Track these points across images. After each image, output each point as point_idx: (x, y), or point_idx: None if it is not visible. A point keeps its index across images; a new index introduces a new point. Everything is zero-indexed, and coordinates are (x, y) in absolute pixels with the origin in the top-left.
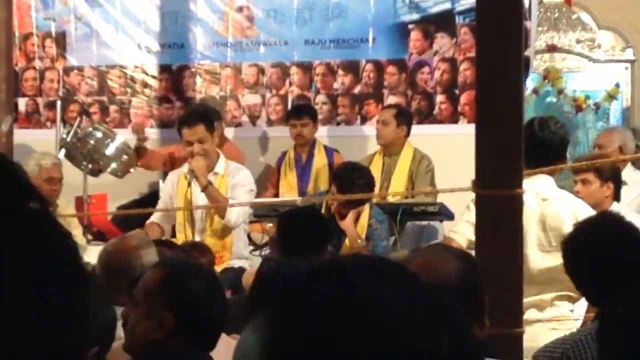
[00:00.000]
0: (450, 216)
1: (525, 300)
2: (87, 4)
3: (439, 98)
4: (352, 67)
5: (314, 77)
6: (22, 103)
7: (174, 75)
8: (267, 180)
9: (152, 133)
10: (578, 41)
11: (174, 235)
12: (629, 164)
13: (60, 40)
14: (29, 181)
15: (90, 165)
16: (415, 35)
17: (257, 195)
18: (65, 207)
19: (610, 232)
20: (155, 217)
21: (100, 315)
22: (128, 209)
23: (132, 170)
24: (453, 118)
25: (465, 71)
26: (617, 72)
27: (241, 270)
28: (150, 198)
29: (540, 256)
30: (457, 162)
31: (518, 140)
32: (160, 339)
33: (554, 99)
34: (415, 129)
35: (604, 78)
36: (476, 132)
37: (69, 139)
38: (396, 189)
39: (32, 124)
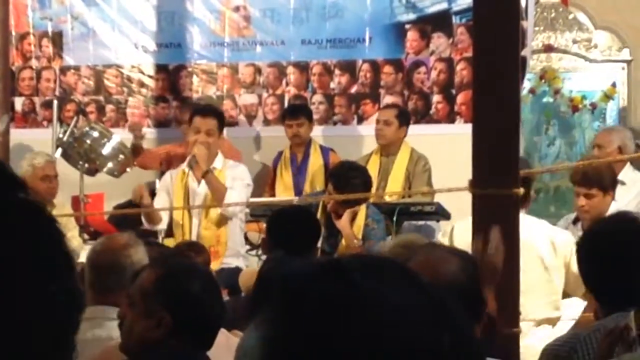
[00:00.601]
0: (447, 216)
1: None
2: (83, 4)
3: (436, 98)
4: (349, 67)
5: (311, 76)
6: (19, 102)
7: (171, 75)
8: (263, 180)
9: (148, 132)
10: (574, 41)
11: (170, 230)
12: (628, 164)
13: (57, 39)
14: (11, 172)
15: (86, 165)
16: (411, 35)
17: (254, 195)
18: (61, 206)
19: (624, 232)
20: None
21: None
22: (124, 209)
23: (128, 169)
24: (450, 118)
25: (462, 71)
26: (613, 72)
27: (237, 270)
28: None
29: None
30: (454, 162)
31: (515, 141)
32: (158, 338)
33: (551, 99)
34: (412, 128)
35: (601, 78)
36: (473, 132)
37: (65, 139)
38: (393, 189)
39: (29, 124)
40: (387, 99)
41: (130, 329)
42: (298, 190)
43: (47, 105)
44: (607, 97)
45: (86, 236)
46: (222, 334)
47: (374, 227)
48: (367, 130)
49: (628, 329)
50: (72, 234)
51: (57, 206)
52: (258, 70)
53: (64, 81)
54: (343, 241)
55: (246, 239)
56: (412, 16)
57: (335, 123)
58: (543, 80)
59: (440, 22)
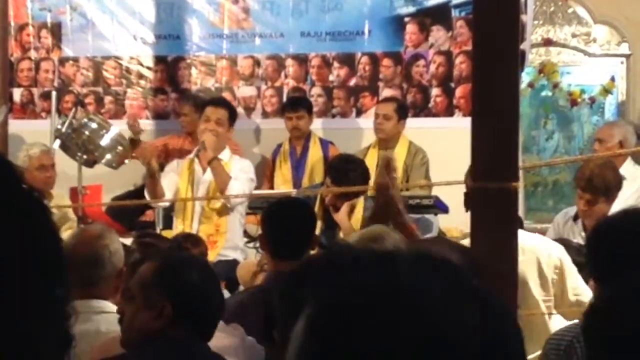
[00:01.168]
0: (444, 209)
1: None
2: None
3: (435, 91)
4: (348, 60)
5: (310, 69)
6: (17, 93)
7: (170, 67)
8: (262, 172)
9: (147, 124)
10: (574, 35)
11: (167, 223)
12: (629, 159)
13: (56, 30)
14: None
15: (85, 156)
16: (411, 28)
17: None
18: (59, 198)
19: (632, 224)
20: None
21: None
22: (123, 200)
23: (126, 161)
24: (448, 111)
25: (461, 64)
26: (612, 67)
27: (235, 262)
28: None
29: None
30: (452, 156)
31: (514, 134)
32: (158, 328)
33: (549, 93)
34: (411, 122)
35: (600, 72)
36: (472, 126)
37: (63, 130)
38: None
39: (27, 115)
40: (386, 92)
41: (131, 322)
42: (297, 183)
43: (46, 96)
44: (606, 91)
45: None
46: (221, 327)
47: None
48: (366, 123)
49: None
50: (70, 225)
51: (55, 197)
52: (257, 63)
53: (63, 72)
54: (341, 234)
55: (244, 231)
56: (411, 9)
57: (334, 116)
58: (542, 74)
59: (439, 15)
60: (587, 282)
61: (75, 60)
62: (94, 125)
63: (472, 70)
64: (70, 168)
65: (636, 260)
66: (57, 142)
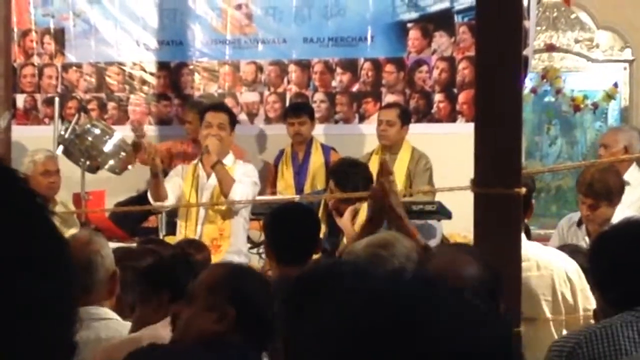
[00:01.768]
0: (448, 215)
1: None
2: (85, 1)
3: (437, 97)
4: (351, 66)
5: (312, 75)
6: (21, 99)
7: (172, 73)
8: (264, 178)
9: (150, 130)
10: (576, 41)
11: (171, 228)
12: (634, 164)
13: (59, 36)
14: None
15: (88, 162)
16: (413, 34)
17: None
18: (63, 203)
19: (633, 234)
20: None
21: None
22: (126, 206)
23: (130, 167)
24: (451, 117)
25: (464, 70)
26: (615, 72)
27: None
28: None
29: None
30: (455, 161)
31: (517, 140)
32: (218, 332)
33: (552, 99)
34: (414, 127)
35: (603, 78)
36: (475, 131)
37: (67, 136)
38: None
39: (30, 121)
40: (389, 98)
41: (189, 323)
42: (299, 189)
43: (49, 102)
44: (609, 97)
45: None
46: None
47: None
48: (369, 129)
49: None
50: (73, 231)
51: (59, 203)
52: (260, 68)
53: (66, 78)
54: (344, 239)
55: (247, 237)
56: (414, 15)
57: (336, 121)
58: (545, 80)
59: (442, 21)
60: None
61: (79, 66)
62: (97, 131)
63: (475, 76)
64: (73, 174)
65: (637, 269)
66: (60, 148)
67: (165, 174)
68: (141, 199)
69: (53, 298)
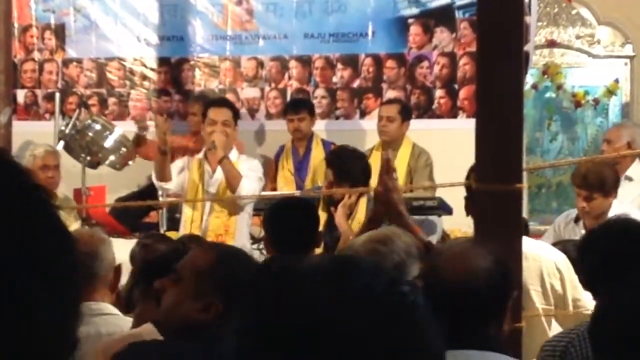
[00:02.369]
0: (448, 211)
1: None
2: None
3: (438, 93)
4: (352, 61)
5: (313, 70)
6: (21, 95)
7: (173, 68)
8: (265, 174)
9: (150, 126)
10: (577, 37)
11: (173, 224)
12: (637, 160)
13: (60, 32)
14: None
15: (88, 158)
16: (414, 29)
17: None
18: (63, 199)
19: (619, 231)
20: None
21: None
22: (126, 201)
23: (130, 162)
24: (452, 113)
25: (465, 66)
26: (616, 68)
27: None
28: (149, 190)
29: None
30: (456, 157)
31: (518, 136)
32: (204, 322)
33: (553, 95)
34: (414, 123)
35: (604, 74)
36: (476, 127)
37: (67, 131)
38: None
39: (31, 116)
40: (390, 94)
41: (175, 307)
42: (299, 185)
43: (49, 97)
44: (610, 92)
45: (88, 229)
46: None
47: None
48: (370, 124)
49: None
50: (74, 227)
51: (59, 199)
52: (260, 64)
53: (67, 74)
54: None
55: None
56: (415, 10)
57: (337, 117)
58: (546, 76)
59: (443, 16)
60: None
61: (79, 61)
62: (97, 127)
63: (476, 72)
64: (74, 169)
65: (625, 266)
66: (61, 143)
67: None
68: (142, 194)
69: (56, 293)
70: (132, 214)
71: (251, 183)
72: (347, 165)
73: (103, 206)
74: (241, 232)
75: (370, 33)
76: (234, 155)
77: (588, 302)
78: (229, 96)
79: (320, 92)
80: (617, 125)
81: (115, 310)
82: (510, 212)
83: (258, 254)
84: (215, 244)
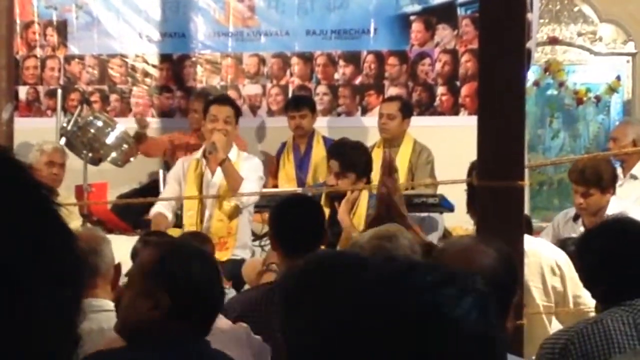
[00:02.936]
0: (450, 208)
1: None
2: None
3: (440, 90)
4: (353, 58)
5: (315, 67)
6: (23, 91)
7: (175, 65)
8: (267, 170)
9: (152, 122)
10: (579, 34)
11: (179, 221)
12: None
13: (62, 28)
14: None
15: (90, 154)
16: (416, 26)
17: None
18: (65, 196)
19: (616, 230)
20: (159, 206)
21: None
22: (128, 198)
23: (132, 159)
24: (454, 110)
25: (467, 63)
26: (618, 65)
27: (243, 261)
28: (151, 187)
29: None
30: (458, 154)
31: (519, 133)
32: (156, 320)
33: (555, 92)
34: (416, 120)
35: (605, 71)
36: (477, 124)
37: (69, 128)
38: None
39: (33, 113)
40: (392, 91)
41: (128, 309)
42: (301, 182)
43: (51, 94)
44: (612, 90)
45: (89, 226)
46: (227, 325)
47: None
48: (371, 121)
49: None
50: (76, 224)
51: (61, 195)
52: (262, 61)
53: (68, 70)
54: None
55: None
56: (417, 7)
57: (339, 114)
58: (547, 73)
59: (445, 13)
60: None
61: (81, 58)
62: (99, 123)
63: (478, 69)
64: (75, 166)
65: (624, 265)
66: (63, 140)
67: (167, 166)
68: (144, 191)
69: (59, 290)
70: (134, 211)
71: (252, 185)
72: (351, 155)
73: (105, 203)
74: (243, 231)
75: (372, 30)
76: (233, 153)
77: (588, 299)
78: (231, 93)
79: (321, 88)
80: (623, 123)
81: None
82: (512, 209)
83: (259, 251)
84: (163, 241)
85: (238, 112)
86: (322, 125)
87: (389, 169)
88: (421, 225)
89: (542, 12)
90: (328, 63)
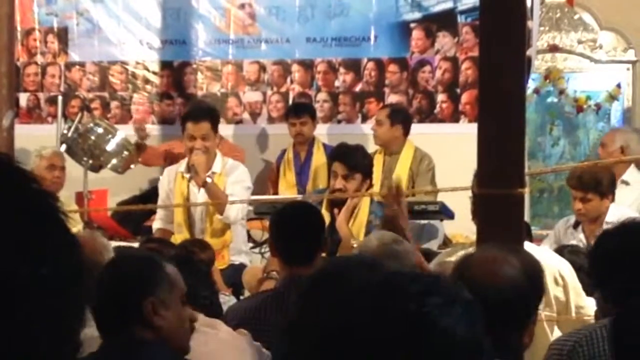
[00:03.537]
0: (450, 215)
1: None
2: (89, 0)
3: (440, 97)
4: (354, 65)
5: (315, 74)
6: (24, 98)
7: (175, 72)
8: (267, 177)
9: (153, 129)
10: (580, 41)
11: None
12: (632, 165)
13: (62, 35)
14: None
15: (90, 161)
16: (417, 34)
17: (257, 193)
18: (65, 202)
19: (630, 232)
20: (158, 221)
21: None
22: (128, 205)
23: (132, 166)
24: (454, 117)
25: (467, 70)
26: (618, 73)
27: (242, 266)
28: (151, 194)
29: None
30: (458, 162)
31: (519, 140)
32: None
33: (555, 99)
34: (416, 127)
35: (606, 79)
36: (478, 132)
37: (69, 135)
38: None
39: (34, 119)
40: (392, 98)
41: None
42: (301, 189)
43: (52, 101)
44: (612, 97)
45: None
46: (228, 332)
47: (377, 223)
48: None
49: None
50: (76, 230)
51: (61, 202)
52: (263, 68)
53: (69, 77)
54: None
55: (249, 236)
56: (417, 15)
57: (339, 121)
58: (548, 80)
59: (445, 21)
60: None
61: (82, 65)
62: (100, 130)
63: (478, 76)
64: (76, 173)
65: (636, 266)
66: (63, 146)
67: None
68: (144, 198)
69: (61, 296)
70: (134, 218)
71: (239, 198)
72: (355, 156)
73: (105, 210)
74: (237, 240)
75: (372, 37)
76: (217, 164)
77: (591, 309)
78: (231, 100)
79: (322, 96)
80: (613, 130)
81: None
82: (512, 216)
83: (259, 258)
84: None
85: (216, 123)
86: (322, 132)
87: (397, 194)
88: (422, 232)
89: (543, 20)
90: (328, 70)
